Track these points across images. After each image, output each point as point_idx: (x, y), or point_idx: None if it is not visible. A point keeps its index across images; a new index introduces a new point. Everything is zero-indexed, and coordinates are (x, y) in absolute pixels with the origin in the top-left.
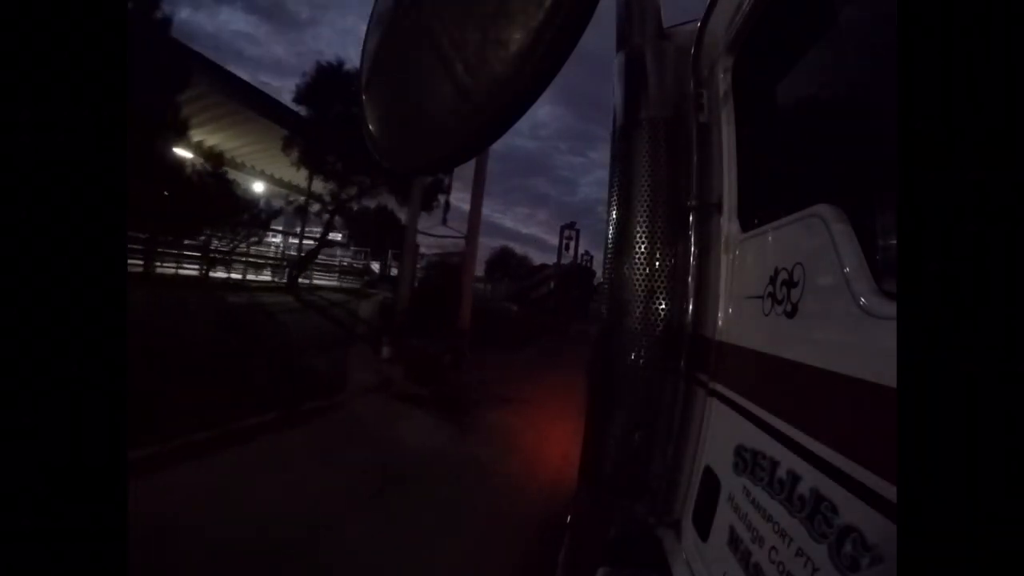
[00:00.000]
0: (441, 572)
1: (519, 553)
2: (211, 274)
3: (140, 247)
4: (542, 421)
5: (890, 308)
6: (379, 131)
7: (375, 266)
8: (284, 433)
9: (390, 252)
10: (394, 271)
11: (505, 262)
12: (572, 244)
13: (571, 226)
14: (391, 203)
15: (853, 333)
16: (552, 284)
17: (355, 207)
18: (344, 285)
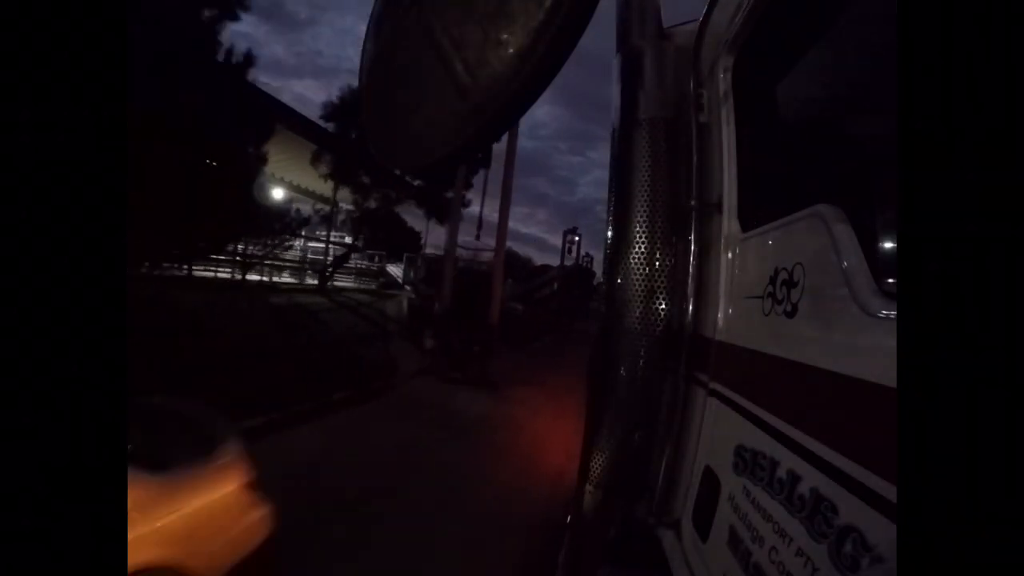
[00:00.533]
0: (505, 475)
1: (554, 470)
2: (246, 277)
3: (181, 253)
4: (558, 395)
5: (890, 308)
6: (379, 131)
7: (392, 269)
8: (362, 405)
9: (405, 256)
10: (411, 273)
11: (509, 264)
12: (574, 248)
13: (573, 231)
14: (409, 212)
15: (853, 333)
16: (555, 285)
17: (379, 215)
18: (362, 286)
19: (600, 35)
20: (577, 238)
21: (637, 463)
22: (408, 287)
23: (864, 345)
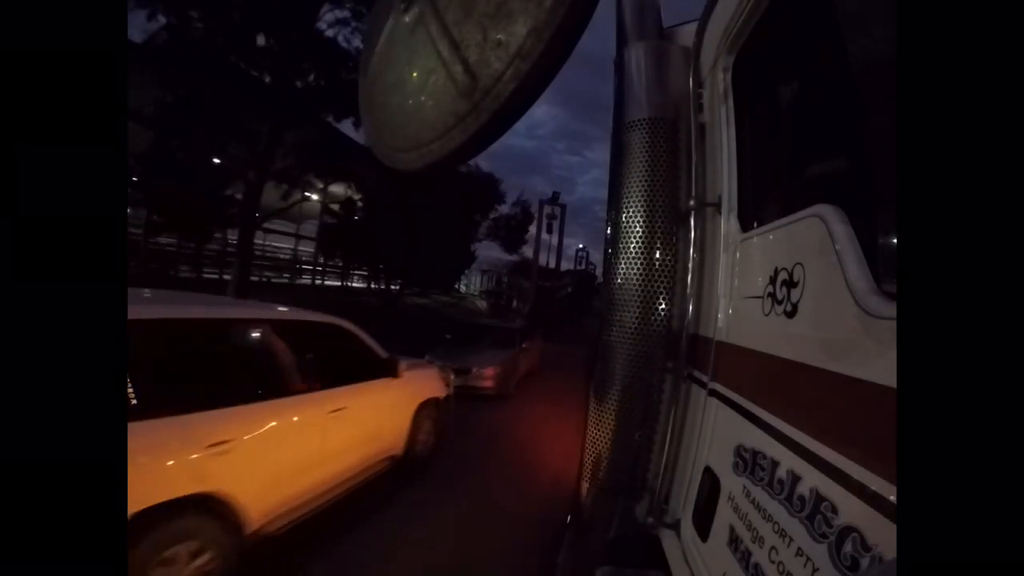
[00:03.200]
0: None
1: (572, 360)
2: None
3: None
4: (581, 342)
5: (890, 308)
6: (379, 131)
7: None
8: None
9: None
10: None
11: (525, 269)
12: (556, 224)
13: (554, 199)
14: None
15: (853, 333)
16: (569, 289)
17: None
18: (442, 295)
19: (597, 35)
20: (560, 210)
21: (637, 463)
22: (478, 293)
23: (864, 345)
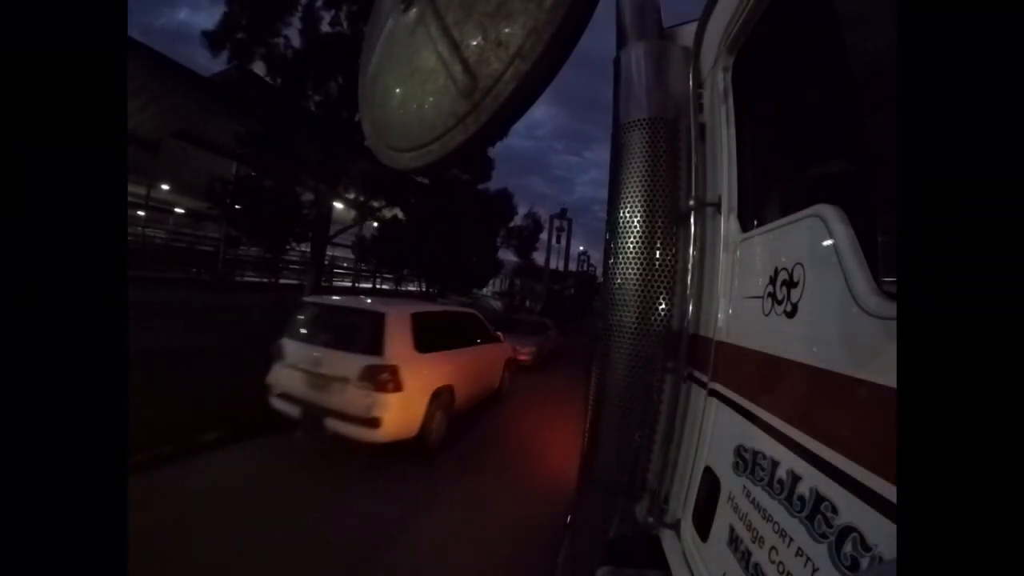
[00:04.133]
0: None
1: (580, 344)
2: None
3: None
4: (585, 333)
5: (890, 308)
6: (379, 131)
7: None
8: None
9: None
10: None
11: (528, 270)
12: (563, 236)
13: (561, 214)
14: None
15: (853, 333)
16: (572, 289)
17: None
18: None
19: (595, 35)
20: (567, 222)
21: (637, 463)
22: (492, 294)
23: (864, 345)
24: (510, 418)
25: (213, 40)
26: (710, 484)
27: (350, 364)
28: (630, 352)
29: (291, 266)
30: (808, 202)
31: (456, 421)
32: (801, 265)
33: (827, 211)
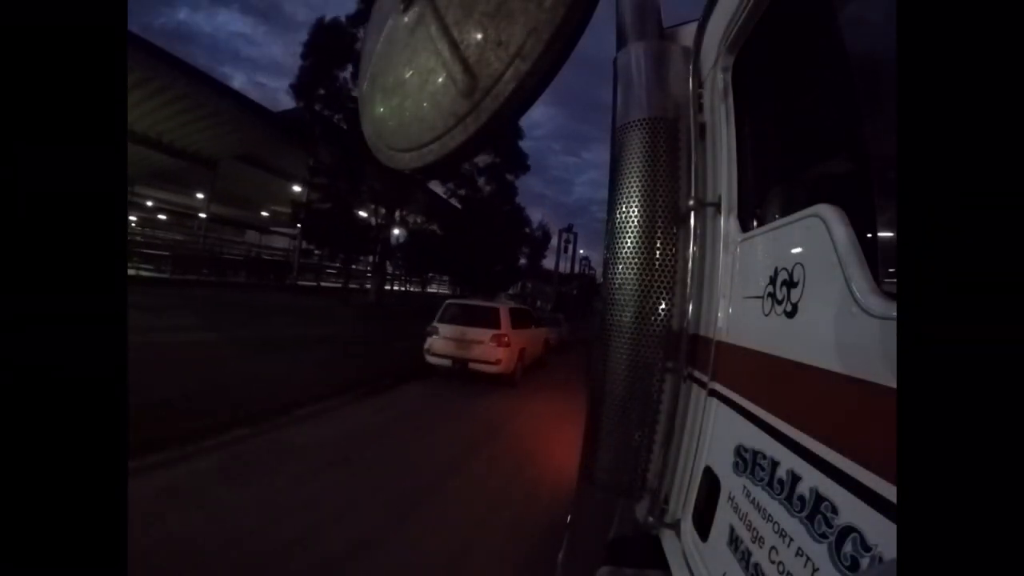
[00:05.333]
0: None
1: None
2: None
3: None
4: (587, 326)
5: (890, 308)
6: (378, 131)
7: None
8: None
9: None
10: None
11: (538, 274)
12: (570, 247)
13: (569, 229)
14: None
15: (853, 333)
16: (575, 291)
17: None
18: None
19: (596, 36)
20: (574, 235)
21: (637, 463)
22: (508, 296)
23: (864, 345)
24: (547, 373)
25: (297, 92)
26: (710, 484)
27: (484, 333)
28: (630, 352)
29: (355, 272)
30: (808, 202)
31: (524, 371)
32: (801, 265)
33: (827, 211)
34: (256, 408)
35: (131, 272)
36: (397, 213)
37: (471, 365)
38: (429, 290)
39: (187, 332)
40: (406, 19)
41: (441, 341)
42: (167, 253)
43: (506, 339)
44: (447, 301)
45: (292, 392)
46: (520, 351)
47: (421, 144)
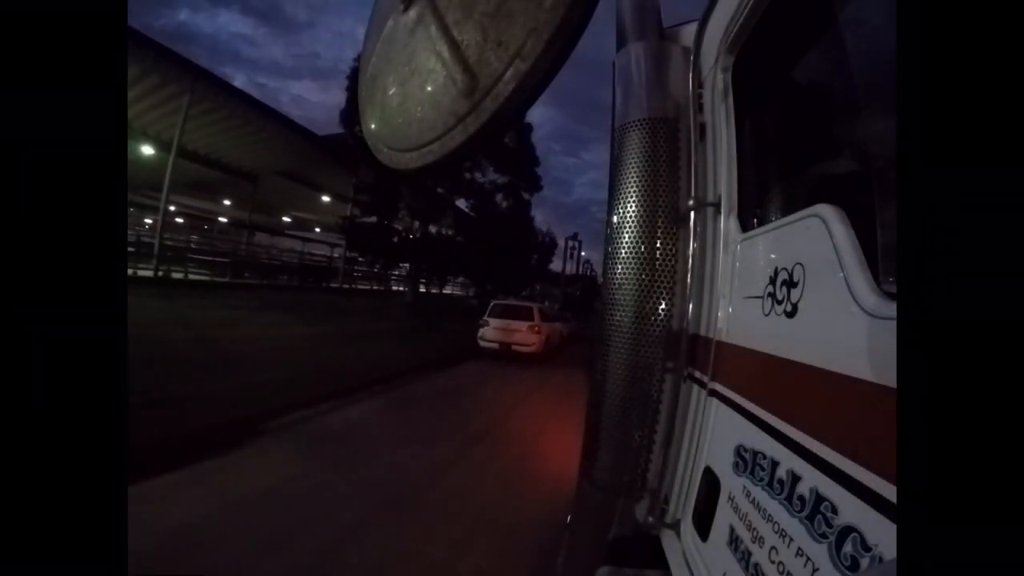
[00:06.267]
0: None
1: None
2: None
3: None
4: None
5: (890, 308)
6: (378, 131)
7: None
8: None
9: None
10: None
11: (555, 277)
12: (575, 252)
13: (574, 237)
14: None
15: (853, 333)
16: (579, 292)
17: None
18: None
19: (595, 36)
20: (578, 244)
21: (637, 463)
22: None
23: (864, 345)
24: (562, 356)
25: (343, 119)
26: (710, 484)
27: (522, 324)
28: (630, 352)
29: (393, 277)
30: (808, 202)
31: (548, 354)
32: (801, 265)
33: (827, 211)
34: (378, 376)
35: (204, 278)
36: (430, 227)
37: (513, 347)
38: (444, 291)
39: (287, 327)
40: (406, 19)
41: (491, 330)
42: (227, 260)
43: (538, 328)
44: (493, 302)
45: (392, 367)
46: (547, 337)
47: (421, 144)
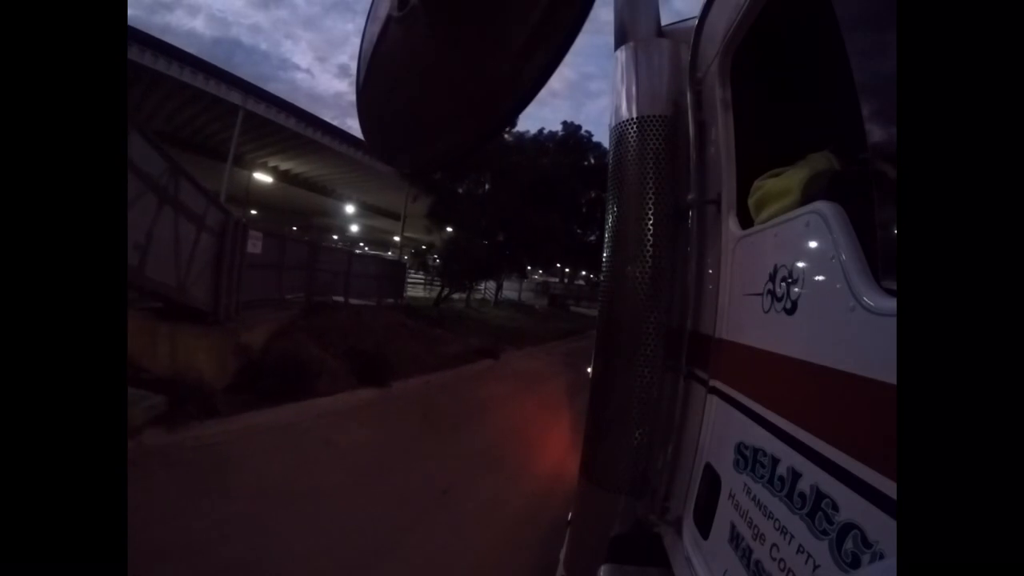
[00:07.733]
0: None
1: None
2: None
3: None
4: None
5: (890, 305)
6: (377, 130)
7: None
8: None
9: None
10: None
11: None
12: None
13: None
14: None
15: (853, 330)
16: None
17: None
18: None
19: (594, 36)
20: None
21: (638, 461)
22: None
23: (864, 342)
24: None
25: None
26: (711, 481)
27: None
28: (630, 350)
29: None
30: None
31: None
32: (801, 262)
33: (827, 208)
34: (529, 342)
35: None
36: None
37: None
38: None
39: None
40: (404, 19)
41: None
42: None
43: None
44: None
45: (535, 339)
46: None
47: (420, 143)
